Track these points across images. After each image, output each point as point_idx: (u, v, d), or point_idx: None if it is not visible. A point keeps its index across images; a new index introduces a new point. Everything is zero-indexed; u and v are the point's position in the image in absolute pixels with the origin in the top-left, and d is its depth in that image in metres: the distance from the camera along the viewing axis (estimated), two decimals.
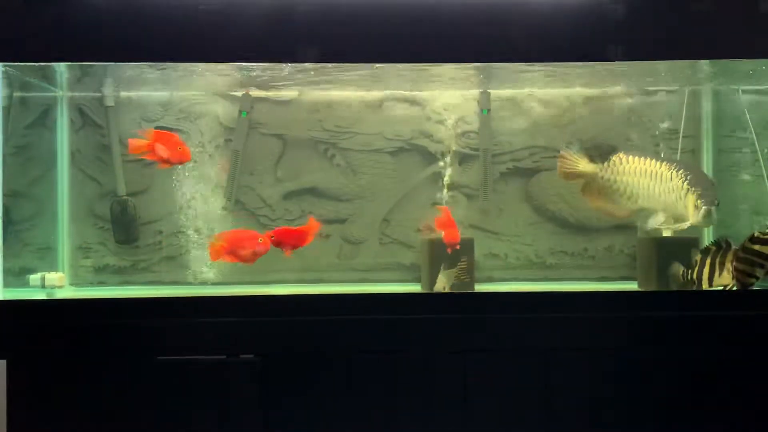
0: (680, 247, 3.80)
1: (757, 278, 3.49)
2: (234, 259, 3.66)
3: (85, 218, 4.15)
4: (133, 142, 3.66)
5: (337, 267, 4.20)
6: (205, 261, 4.13)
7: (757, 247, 3.46)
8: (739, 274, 3.49)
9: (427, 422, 3.32)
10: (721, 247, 3.61)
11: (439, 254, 3.84)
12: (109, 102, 4.12)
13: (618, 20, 3.34)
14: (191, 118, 4.17)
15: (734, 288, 3.55)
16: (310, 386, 3.30)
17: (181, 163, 3.71)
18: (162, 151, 3.61)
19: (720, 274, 3.58)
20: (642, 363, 3.33)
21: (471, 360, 3.33)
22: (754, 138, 4.13)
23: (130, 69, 3.70)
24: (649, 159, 3.87)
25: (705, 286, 3.62)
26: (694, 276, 3.65)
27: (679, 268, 3.72)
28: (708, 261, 3.62)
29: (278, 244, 3.68)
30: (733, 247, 3.58)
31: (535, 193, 4.25)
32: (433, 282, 3.83)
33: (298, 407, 3.30)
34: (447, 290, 3.73)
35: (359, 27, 3.33)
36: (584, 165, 3.98)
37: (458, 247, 3.84)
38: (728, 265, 3.56)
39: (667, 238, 3.95)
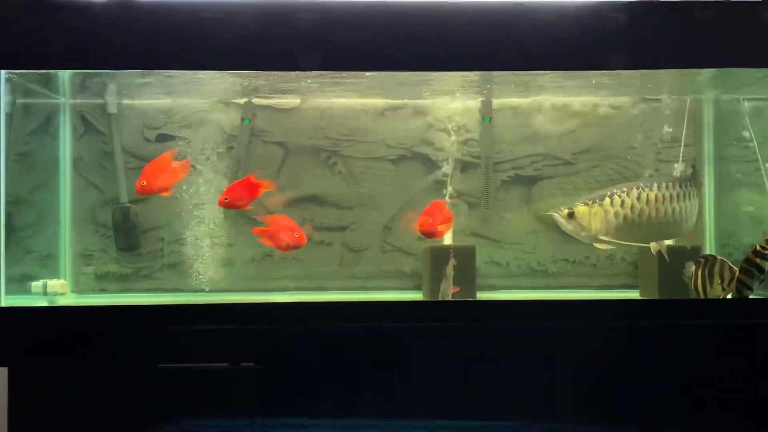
0: (682, 255, 3.79)
1: (752, 289, 3.52)
2: (270, 243, 3.75)
3: (87, 225, 4.16)
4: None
5: (338, 275, 4.20)
6: (205, 269, 4.14)
7: (758, 260, 3.48)
8: (738, 284, 3.50)
9: (428, 430, 3.31)
10: (707, 260, 3.63)
11: (439, 262, 3.83)
12: (112, 109, 4.13)
13: (619, 29, 3.34)
14: (193, 126, 4.19)
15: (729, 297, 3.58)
16: (311, 394, 3.30)
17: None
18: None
19: (711, 286, 3.60)
20: (644, 371, 3.33)
21: (472, 368, 3.33)
22: (756, 147, 4.13)
23: (133, 76, 3.72)
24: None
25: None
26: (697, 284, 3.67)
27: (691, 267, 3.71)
28: (699, 273, 3.62)
29: (232, 203, 3.69)
30: (719, 259, 3.62)
31: (537, 201, 4.25)
32: (435, 290, 3.81)
33: (298, 415, 3.29)
34: (450, 295, 3.70)
35: (361, 35, 3.34)
36: None
37: (436, 237, 3.76)
38: (716, 278, 3.59)
39: (669, 246, 3.94)
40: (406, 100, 4.21)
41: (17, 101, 3.97)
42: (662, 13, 3.39)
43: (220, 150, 4.18)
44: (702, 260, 3.66)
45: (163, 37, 3.32)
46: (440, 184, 4.18)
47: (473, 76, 3.71)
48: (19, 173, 4.00)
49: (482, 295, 4.03)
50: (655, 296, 3.86)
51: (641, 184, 3.69)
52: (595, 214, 3.60)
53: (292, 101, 4.19)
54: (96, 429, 3.26)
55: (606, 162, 4.24)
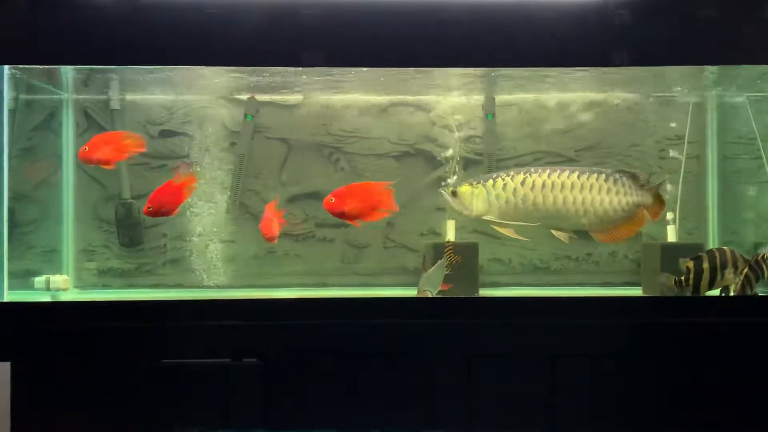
0: (685, 252, 3.79)
1: (752, 290, 3.54)
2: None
3: (90, 221, 4.16)
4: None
5: (340, 271, 4.20)
6: (207, 264, 4.14)
7: (765, 266, 3.52)
8: (746, 280, 3.51)
9: (431, 427, 3.31)
10: (713, 253, 3.62)
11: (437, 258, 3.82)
12: (115, 105, 4.13)
13: (622, 26, 3.34)
14: (196, 122, 4.19)
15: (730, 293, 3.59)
16: (313, 390, 3.30)
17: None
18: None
19: (723, 277, 3.59)
20: (646, 369, 3.33)
21: (474, 365, 3.33)
22: (760, 144, 4.13)
23: (136, 72, 3.72)
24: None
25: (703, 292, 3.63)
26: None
27: (670, 278, 3.68)
28: (706, 266, 3.61)
29: (157, 211, 3.64)
30: (728, 249, 3.61)
31: None
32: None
33: (300, 411, 3.30)
34: (432, 294, 3.58)
35: (363, 31, 3.34)
36: None
37: (348, 219, 3.65)
38: (730, 267, 3.58)
39: (672, 243, 3.94)
40: (408, 97, 4.22)
41: (20, 97, 3.98)
42: (666, 10, 3.39)
43: (223, 146, 4.19)
44: (705, 254, 3.64)
45: (167, 33, 3.32)
46: (441, 180, 4.19)
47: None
48: (23, 169, 4.01)
49: (485, 293, 4.02)
50: (658, 293, 3.85)
51: (533, 169, 3.63)
52: (477, 195, 3.60)
53: (295, 97, 4.19)
54: (98, 424, 3.26)
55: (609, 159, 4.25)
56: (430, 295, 3.55)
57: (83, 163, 3.78)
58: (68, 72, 3.76)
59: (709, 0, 3.36)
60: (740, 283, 3.54)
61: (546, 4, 3.35)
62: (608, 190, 3.58)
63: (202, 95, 4.18)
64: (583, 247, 4.22)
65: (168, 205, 3.65)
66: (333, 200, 3.60)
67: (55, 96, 4.12)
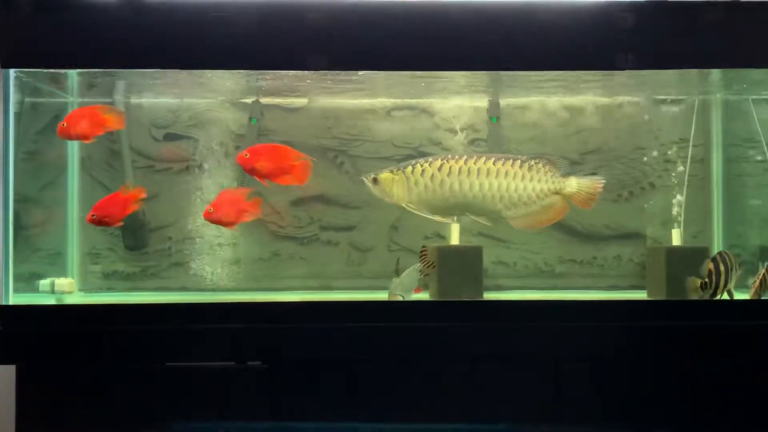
0: (691, 256, 3.78)
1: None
2: None
3: None
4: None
5: (345, 274, 4.20)
6: (213, 268, 4.15)
7: None
8: (764, 281, 3.53)
9: (435, 431, 3.32)
10: (722, 256, 3.61)
11: (446, 261, 3.81)
12: (120, 108, 4.14)
13: (627, 29, 3.33)
14: (200, 125, 4.20)
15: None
16: (318, 393, 3.31)
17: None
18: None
19: (730, 279, 3.58)
20: (651, 373, 3.32)
21: (479, 369, 3.33)
22: (765, 147, 4.12)
23: (142, 75, 3.73)
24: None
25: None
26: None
27: (696, 281, 3.67)
28: (722, 268, 3.59)
29: (100, 219, 3.67)
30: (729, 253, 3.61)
31: None
32: (443, 290, 3.77)
33: (305, 414, 3.30)
34: (404, 298, 3.56)
35: (368, 34, 3.34)
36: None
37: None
38: (733, 272, 3.57)
39: (677, 247, 3.93)
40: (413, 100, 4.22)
41: (26, 100, 3.99)
42: (670, 13, 3.38)
43: (228, 149, 4.19)
44: (718, 256, 3.63)
45: (171, 36, 3.33)
46: None
47: None
48: (28, 172, 4.02)
49: (489, 296, 4.02)
50: (663, 297, 3.85)
51: (451, 156, 3.64)
52: (397, 182, 3.61)
53: (299, 101, 4.20)
54: (103, 427, 3.27)
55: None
56: (401, 299, 3.55)
57: (62, 138, 3.77)
58: (73, 75, 3.77)
59: (715, 2, 3.36)
60: (757, 284, 3.53)
61: (553, 7, 3.35)
62: (523, 177, 3.58)
63: (208, 98, 4.19)
64: (588, 250, 4.22)
65: (112, 215, 3.68)
66: (247, 155, 3.71)
67: (60, 99, 4.14)
